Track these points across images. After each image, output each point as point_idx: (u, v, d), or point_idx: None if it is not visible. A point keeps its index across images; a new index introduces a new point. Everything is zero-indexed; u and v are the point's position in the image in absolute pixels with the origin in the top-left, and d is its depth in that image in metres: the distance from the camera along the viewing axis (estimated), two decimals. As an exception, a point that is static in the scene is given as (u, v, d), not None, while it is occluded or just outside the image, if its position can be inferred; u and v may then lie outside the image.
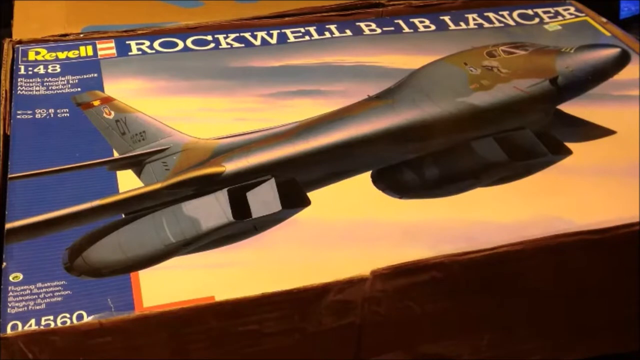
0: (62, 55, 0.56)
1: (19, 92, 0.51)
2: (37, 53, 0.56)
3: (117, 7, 0.67)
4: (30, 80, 0.52)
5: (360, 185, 0.45)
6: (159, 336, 0.37)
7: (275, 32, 0.60)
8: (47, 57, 0.55)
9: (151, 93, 0.52)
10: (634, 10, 0.84)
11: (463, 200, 0.44)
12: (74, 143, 0.47)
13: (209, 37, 0.59)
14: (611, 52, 0.52)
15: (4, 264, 0.38)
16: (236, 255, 0.40)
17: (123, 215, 0.42)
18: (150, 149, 0.47)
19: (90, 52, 0.56)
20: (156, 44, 0.57)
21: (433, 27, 0.61)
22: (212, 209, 0.42)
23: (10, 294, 0.37)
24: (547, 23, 0.62)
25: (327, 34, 0.60)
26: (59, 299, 0.37)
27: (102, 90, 0.52)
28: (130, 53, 0.56)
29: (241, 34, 0.59)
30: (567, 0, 0.66)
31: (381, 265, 0.38)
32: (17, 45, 0.57)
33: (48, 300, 0.37)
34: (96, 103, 0.50)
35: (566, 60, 0.51)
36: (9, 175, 0.44)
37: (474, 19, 0.62)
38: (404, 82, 0.52)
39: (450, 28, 0.61)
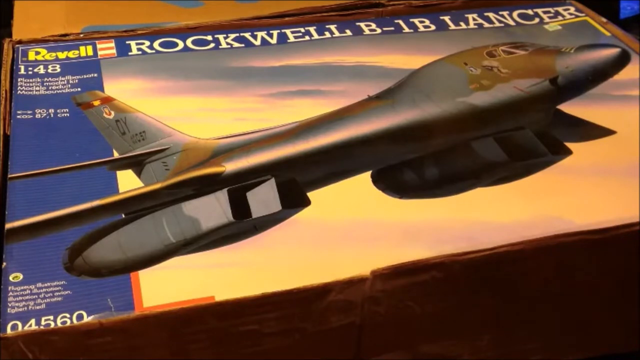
0: (62, 55, 0.56)
1: (19, 92, 0.51)
2: (37, 53, 0.56)
3: (117, 7, 0.67)
4: (30, 80, 0.52)
5: (360, 185, 0.45)
6: (159, 336, 0.37)
7: (275, 32, 0.60)
8: (47, 57, 0.55)
9: (151, 93, 0.52)
10: (635, 10, 0.84)
11: (463, 200, 0.44)
12: (74, 143, 0.47)
13: (209, 37, 0.59)
14: (611, 52, 0.52)
15: (4, 264, 0.38)
16: (236, 255, 0.40)
17: (123, 215, 0.42)
18: (150, 149, 0.47)
19: (90, 52, 0.56)
20: (156, 44, 0.57)
21: (433, 27, 0.61)
22: (212, 209, 0.42)
23: (10, 294, 0.37)
24: (547, 23, 0.62)
25: (327, 34, 0.59)
26: (59, 299, 0.37)
27: (102, 90, 0.52)
28: (130, 53, 0.56)
29: (241, 34, 0.59)
30: (567, 0, 0.66)
31: (381, 265, 0.38)
32: (17, 45, 0.57)
33: (48, 300, 0.36)
34: (96, 103, 0.50)
35: (566, 60, 0.51)
36: (9, 175, 0.44)
37: (474, 19, 0.62)
38: (404, 82, 0.52)
39: (450, 28, 0.61)
